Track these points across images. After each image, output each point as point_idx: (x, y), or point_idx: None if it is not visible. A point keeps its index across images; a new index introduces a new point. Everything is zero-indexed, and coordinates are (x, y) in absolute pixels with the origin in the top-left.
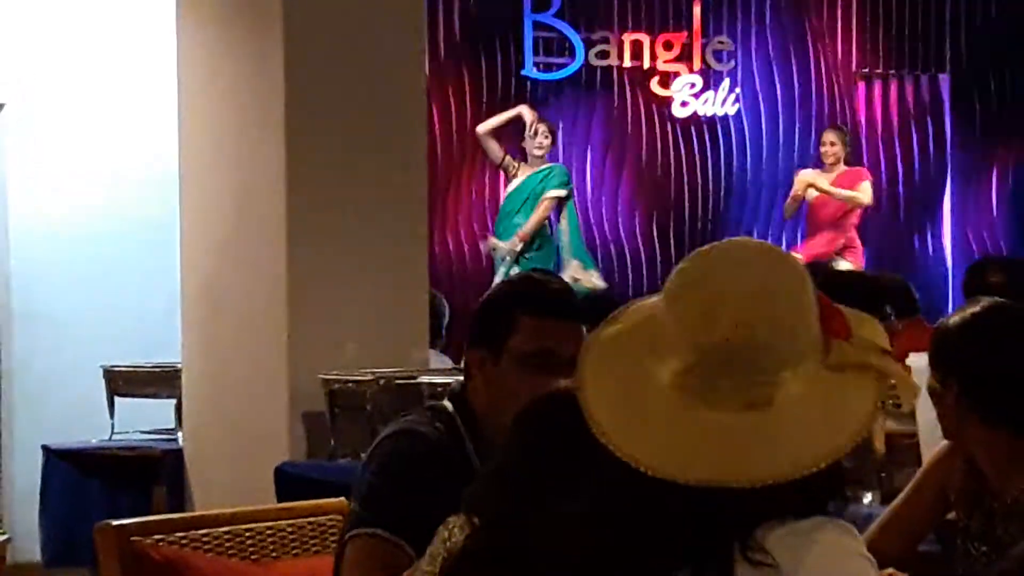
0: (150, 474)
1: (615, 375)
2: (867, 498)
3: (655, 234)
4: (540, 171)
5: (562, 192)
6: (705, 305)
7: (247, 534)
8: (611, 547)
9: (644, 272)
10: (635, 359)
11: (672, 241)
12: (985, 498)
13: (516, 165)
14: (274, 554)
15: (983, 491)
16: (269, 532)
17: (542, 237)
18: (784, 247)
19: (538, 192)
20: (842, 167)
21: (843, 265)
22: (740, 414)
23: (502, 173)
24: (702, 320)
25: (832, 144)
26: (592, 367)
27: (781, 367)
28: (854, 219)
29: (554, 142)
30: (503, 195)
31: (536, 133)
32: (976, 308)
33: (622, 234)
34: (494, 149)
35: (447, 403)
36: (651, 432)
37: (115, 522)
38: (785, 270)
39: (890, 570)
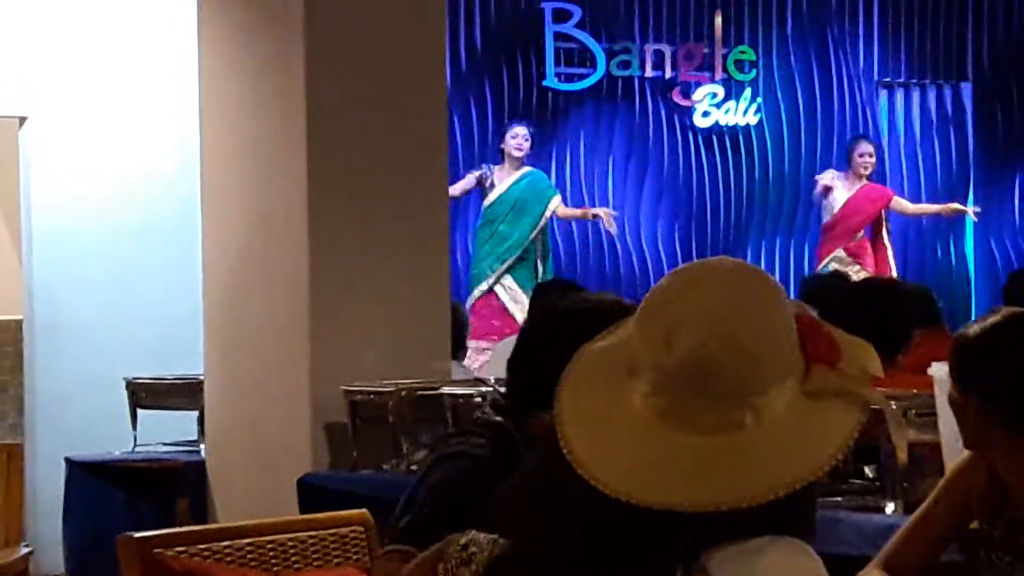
0: (173, 486)
1: (592, 394)
2: (889, 507)
3: (677, 244)
4: (522, 177)
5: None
6: (667, 325)
7: (269, 546)
8: (560, 568)
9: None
10: (613, 379)
11: (694, 250)
12: (1007, 507)
13: (491, 171)
14: (296, 566)
15: (1005, 500)
16: (291, 544)
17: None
18: (807, 255)
19: (524, 199)
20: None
21: (861, 274)
22: (710, 438)
23: (478, 184)
24: (663, 340)
25: (870, 156)
26: (572, 384)
27: (750, 391)
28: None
29: (532, 146)
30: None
31: (516, 135)
32: (996, 318)
33: (644, 244)
34: (468, 182)
35: (499, 419)
36: (618, 453)
37: (137, 534)
38: (752, 292)
39: None
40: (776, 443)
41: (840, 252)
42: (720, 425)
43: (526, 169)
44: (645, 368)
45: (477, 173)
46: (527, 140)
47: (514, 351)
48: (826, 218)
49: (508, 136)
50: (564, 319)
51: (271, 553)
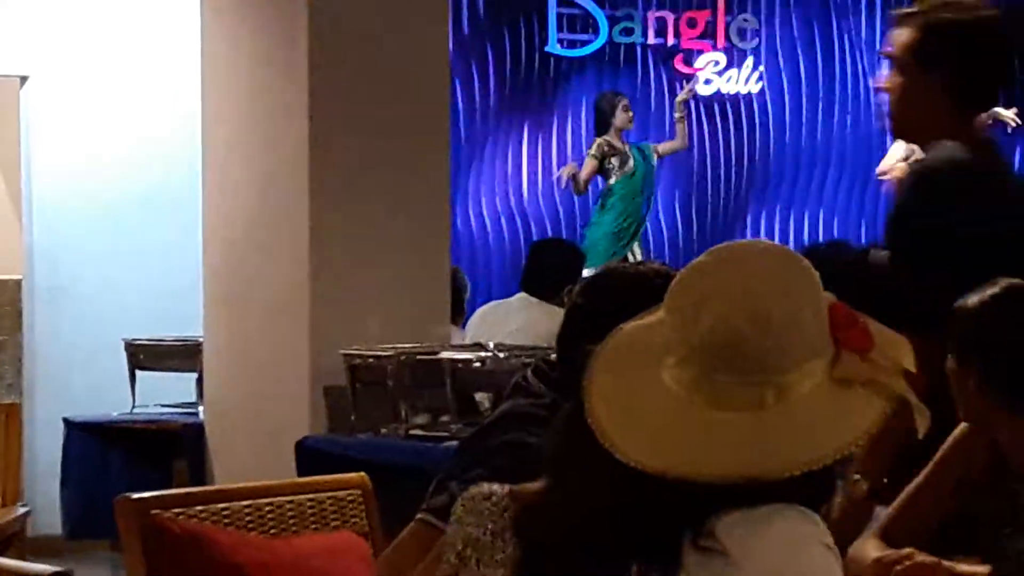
0: (171, 448)
1: (624, 369)
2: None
3: (677, 211)
4: (638, 148)
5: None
6: (696, 300)
7: (267, 508)
8: (571, 532)
9: (666, 250)
10: (644, 355)
11: (695, 218)
12: (1007, 479)
13: (608, 148)
14: (294, 528)
15: (1005, 472)
16: (288, 506)
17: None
18: (807, 224)
19: (647, 169)
20: None
21: None
22: (732, 413)
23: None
24: (692, 314)
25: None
26: (604, 360)
27: (774, 368)
28: None
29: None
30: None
31: (625, 108)
32: (996, 289)
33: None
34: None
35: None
36: (641, 424)
37: (135, 495)
38: (784, 273)
39: (909, 550)
40: (797, 423)
41: None
42: (743, 401)
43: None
44: (673, 341)
45: (595, 154)
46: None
47: (563, 323)
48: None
49: (619, 110)
50: (611, 291)
51: (269, 516)
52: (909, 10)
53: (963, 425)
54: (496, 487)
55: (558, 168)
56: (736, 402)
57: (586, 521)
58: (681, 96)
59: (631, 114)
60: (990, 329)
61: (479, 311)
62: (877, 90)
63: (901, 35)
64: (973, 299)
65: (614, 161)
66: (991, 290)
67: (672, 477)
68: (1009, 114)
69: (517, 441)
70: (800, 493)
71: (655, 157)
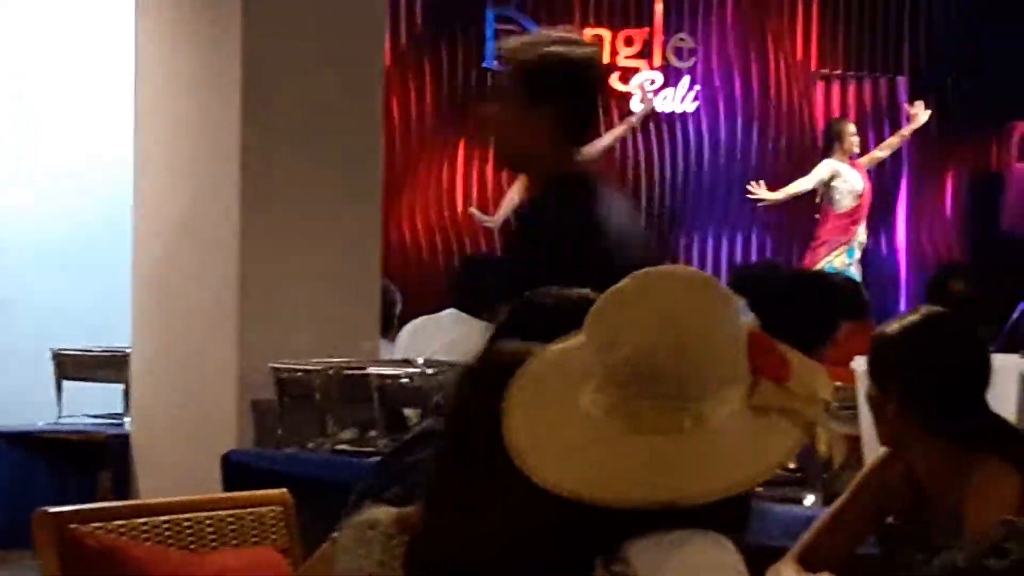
0: (96, 459)
1: (543, 392)
2: (809, 500)
3: None
4: None
5: None
6: (616, 325)
7: (186, 524)
8: (481, 556)
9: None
10: (564, 379)
11: None
12: (923, 504)
13: None
14: (214, 544)
15: (921, 497)
16: (208, 522)
17: None
18: (740, 244)
19: None
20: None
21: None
22: (650, 438)
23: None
24: (611, 339)
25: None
26: (523, 382)
27: (691, 395)
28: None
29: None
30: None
31: None
32: (915, 317)
33: None
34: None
35: None
36: (559, 448)
37: (53, 509)
38: (702, 300)
39: (825, 574)
40: (714, 450)
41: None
42: (661, 426)
43: None
44: (593, 366)
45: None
46: None
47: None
48: (849, 204)
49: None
50: (538, 314)
51: (188, 531)
52: (518, 43)
53: (881, 450)
54: (381, 514)
55: (493, 183)
56: (653, 427)
57: (497, 546)
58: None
59: None
60: (909, 355)
61: (409, 326)
62: (482, 120)
63: (510, 68)
64: (893, 326)
65: None
66: (911, 317)
67: (587, 500)
68: (917, 111)
69: None
70: (715, 519)
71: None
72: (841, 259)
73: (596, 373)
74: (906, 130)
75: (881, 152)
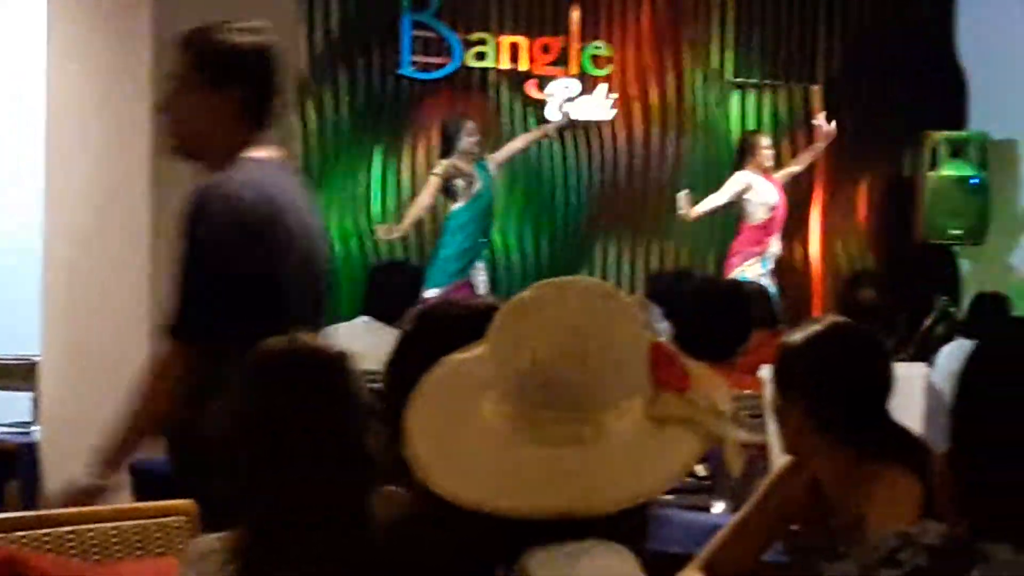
0: (4, 468)
1: (445, 402)
2: (718, 507)
3: (528, 237)
4: (481, 167)
5: None
6: (517, 335)
7: (90, 535)
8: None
9: (519, 277)
10: (467, 388)
11: (545, 245)
12: (827, 513)
13: (454, 170)
14: (118, 555)
15: (825, 505)
16: (113, 533)
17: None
18: (656, 252)
19: (493, 189)
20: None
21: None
22: (552, 449)
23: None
24: (512, 349)
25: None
26: (425, 392)
27: (592, 405)
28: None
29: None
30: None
31: (470, 132)
32: (819, 327)
33: (495, 236)
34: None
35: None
36: (461, 459)
37: None
38: (603, 311)
39: None
40: (614, 461)
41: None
42: (561, 437)
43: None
44: (494, 376)
45: (439, 172)
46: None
47: (393, 352)
48: (762, 217)
49: (464, 134)
50: (442, 323)
51: (92, 542)
52: (196, 29)
53: (785, 459)
54: (216, 541)
55: (410, 189)
56: (554, 438)
57: (400, 552)
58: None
59: (477, 138)
60: (812, 364)
61: (347, 324)
62: (159, 110)
63: (190, 54)
64: (797, 336)
65: (460, 183)
66: (815, 327)
67: (487, 511)
68: (821, 123)
69: None
70: (614, 530)
71: (493, 167)
72: (754, 269)
73: (497, 383)
74: (819, 144)
75: (796, 167)
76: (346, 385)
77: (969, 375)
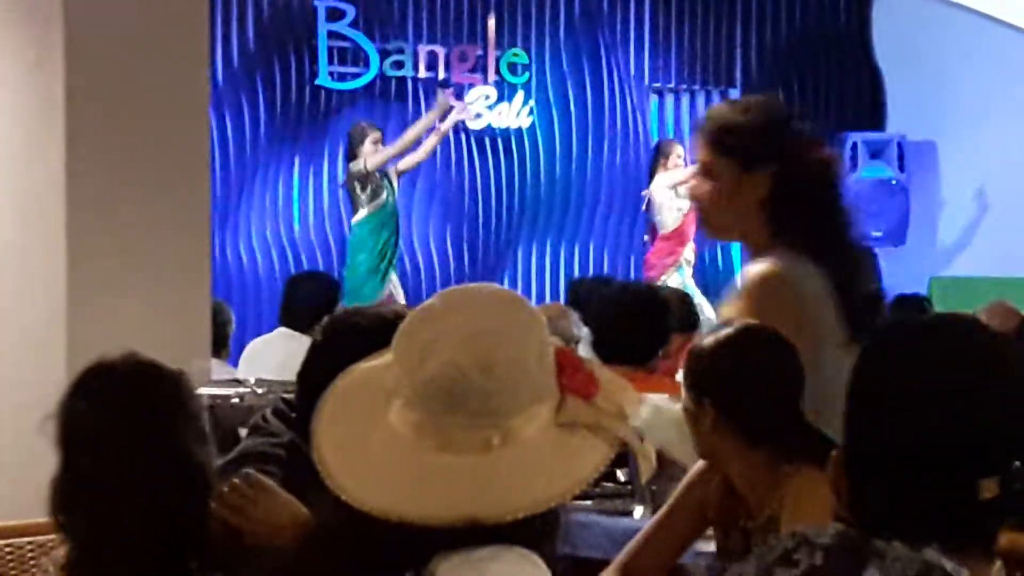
0: None
1: (353, 410)
2: (638, 511)
3: (449, 246)
4: (384, 175)
5: None
6: (423, 343)
7: (28, 547)
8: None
9: (437, 285)
10: (374, 396)
11: (466, 253)
12: (742, 516)
13: (359, 176)
14: (34, 569)
15: (739, 510)
16: (51, 545)
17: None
18: (577, 258)
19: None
20: None
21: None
22: (459, 456)
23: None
24: (418, 357)
25: (681, 156)
26: (333, 400)
27: (499, 412)
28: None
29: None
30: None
31: (375, 141)
32: (730, 331)
33: (416, 245)
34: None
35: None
36: (368, 466)
37: None
38: (509, 318)
39: None
40: (522, 467)
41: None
42: (469, 444)
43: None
44: (401, 384)
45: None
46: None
47: (304, 363)
48: (673, 225)
49: (368, 142)
50: (351, 332)
51: (30, 555)
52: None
53: (699, 463)
54: (52, 569)
55: (329, 199)
56: (461, 445)
57: (306, 560)
58: (447, 122)
59: (380, 146)
60: (723, 368)
61: (248, 347)
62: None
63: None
64: (708, 340)
65: (365, 194)
66: (726, 331)
67: (394, 518)
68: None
69: None
70: (523, 535)
71: (396, 178)
72: (674, 279)
73: (404, 390)
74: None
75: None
76: (178, 401)
77: (859, 376)
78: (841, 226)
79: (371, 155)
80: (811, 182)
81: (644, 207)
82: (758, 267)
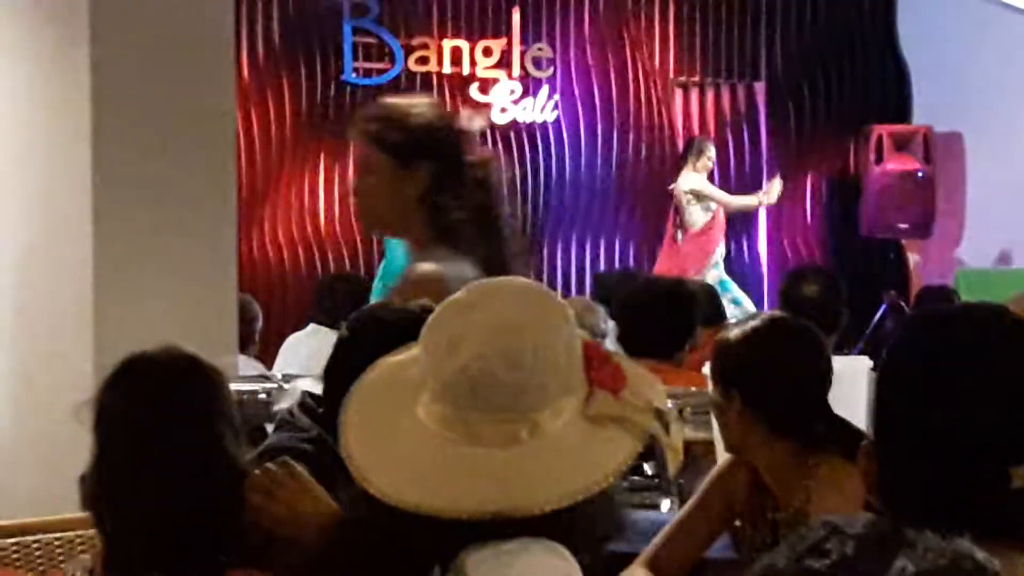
0: None
1: (381, 403)
2: (665, 504)
3: None
4: None
5: None
6: (451, 337)
7: (35, 545)
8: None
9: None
10: (402, 390)
11: None
12: (769, 508)
13: None
14: (63, 565)
15: (768, 501)
16: (58, 543)
17: None
18: (603, 253)
19: None
20: None
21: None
22: (487, 449)
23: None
24: (446, 351)
25: (712, 158)
26: (361, 394)
27: (526, 406)
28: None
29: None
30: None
31: None
32: (756, 322)
33: None
34: None
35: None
36: (396, 460)
37: None
38: (537, 311)
39: None
40: (549, 460)
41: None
42: (497, 437)
43: None
44: (428, 377)
45: None
46: None
47: (330, 358)
48: (704, 221)
49: None
50: (377, 327)
51: (37, 553)
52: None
53: (727, 456)
54: (79, 574)
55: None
56: (489, 438)
57: (335, 553)
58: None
59: None
60: (750, 359)
61: (286, 343)
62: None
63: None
64: (735, 331)
65: None
66: (752, 322)
67: (423, 512)
68: (775, 189)
69: None
70: (551, 528)
71: None
72: (711, 276)
73: (432, 384)
74: (763, 198)
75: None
76: (214, 395)
77: (890, 365)
78: (497, 227)
79: None
80: (468, 182)
81: (673, 204)
82: (417, 267)
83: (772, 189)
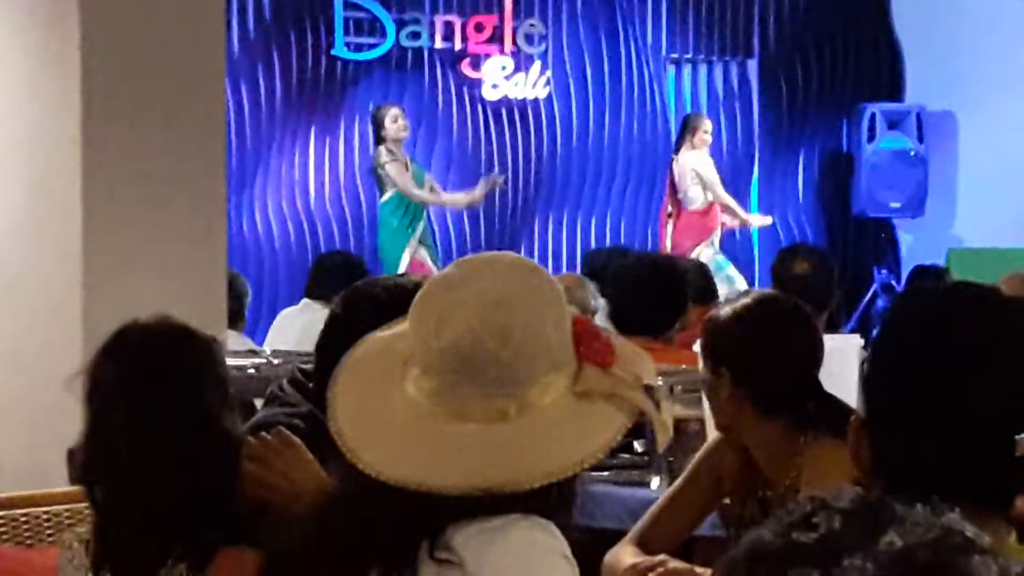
0: None
1: (369, 378)
2: (655, 482)
3: (465, 217)
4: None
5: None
6: (440, 312)
7: (23, 519)
8: (308, 539)
9: (454, 257)
10: (390, 365)
11: (482, 223)
12: (759, 485)
13: (390, 155)
14: (51, 539)
15: (757, 479)
16: (46, 517)
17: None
18: (594, 230)
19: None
20: None
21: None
22: (475, 425)
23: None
24: (435, 326)
25: (708, 132)
26: (350, 368)
27: (515, 380)
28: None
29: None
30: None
31: (395, 118)
32: (747, 300)
33: (432, 217)
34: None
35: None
36: (385, 435)
37: None
38: (526, 287)
39: (662, 556)
40: (538, 436)
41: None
42: (486, 413)
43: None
44: (417, 352)
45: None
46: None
47: (322, 334)
48: (702, 201)
49: (388, 120)
50: (369, 302)
51: (25, 526)
52: None
53: (715, 435)
54: (77, 545)
55: (345, 171)
56: (478, 414)
57: (325, 528)
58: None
59: (403, 123)
60: (739, 337)
61: (277, 318)
62: None
63: None
64: (726, 309)
65: (387, 173)
66: (743, 301)
67: (411, 487)
68: (762, 222)
69: None
70: (539, 504)
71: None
72: (707, 254)
73: (420, 359)
74: (748, 220)
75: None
76: (208, 366)
77: (880, 342)
78: None
79: (399, 175)
80: None
81: (669, 181)
82: None
83: (760, 220)
